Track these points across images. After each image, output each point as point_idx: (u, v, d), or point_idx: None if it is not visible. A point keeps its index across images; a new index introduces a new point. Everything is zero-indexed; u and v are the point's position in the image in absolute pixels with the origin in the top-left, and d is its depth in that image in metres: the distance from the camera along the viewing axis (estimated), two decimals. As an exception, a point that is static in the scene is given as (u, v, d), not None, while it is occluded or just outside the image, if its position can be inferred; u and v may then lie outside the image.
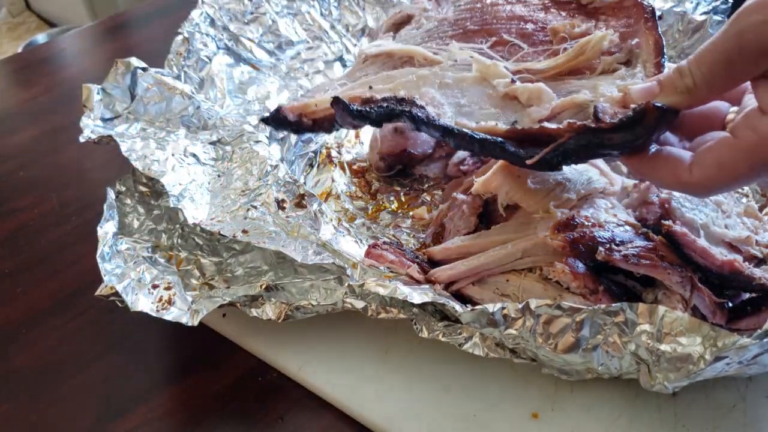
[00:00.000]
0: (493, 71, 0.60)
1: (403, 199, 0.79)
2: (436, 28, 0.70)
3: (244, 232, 0.59)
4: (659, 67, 0.55)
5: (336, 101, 0.61)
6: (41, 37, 2.23)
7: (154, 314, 0.57)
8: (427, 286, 0.59)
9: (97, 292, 0.58)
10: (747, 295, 0.57)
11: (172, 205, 0.61)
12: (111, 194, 0.64)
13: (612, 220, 0.58)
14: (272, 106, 0.83)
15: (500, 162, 0.63)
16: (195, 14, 0.86)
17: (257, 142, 0.69)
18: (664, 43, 0.57)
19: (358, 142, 0.88)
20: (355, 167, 0.83)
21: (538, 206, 0.61)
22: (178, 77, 0.79)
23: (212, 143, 0.70)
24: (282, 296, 0.59)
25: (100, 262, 0.58)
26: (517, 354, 0.54)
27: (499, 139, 0.54)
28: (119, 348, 0.65)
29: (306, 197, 0.63)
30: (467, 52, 0.63)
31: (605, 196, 0.62)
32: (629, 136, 0.49)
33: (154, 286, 0.59)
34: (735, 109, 0.51)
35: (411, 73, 0.63)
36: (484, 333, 0.54)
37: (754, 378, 0.57)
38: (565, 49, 0.60)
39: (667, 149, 0.50)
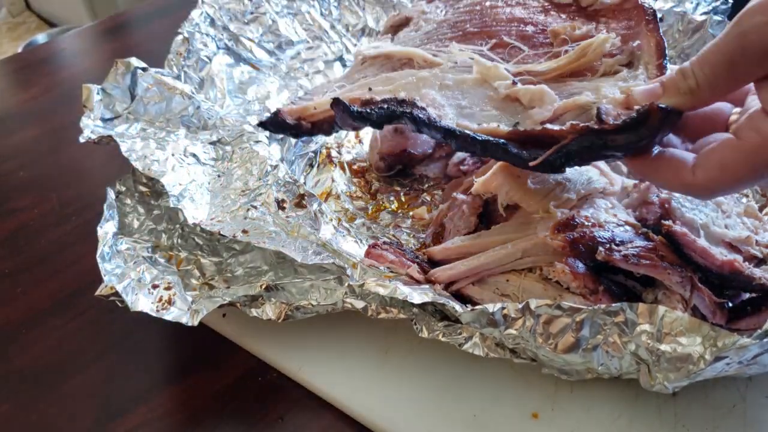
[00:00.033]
0: (493, 73, 0.60)
1: (403, 199, 0.79)
2: (435, 30, 0.70)
3: (244, 232, 0.59)
4: (661, 68, 0.55)
5: (336, 103, 0.60)
6: (41, 37, 2.23)
7: (154, 314, 0.57)
8: (427, 286, 0.59)
9: (97, 292, 0.58)
10: (747, 295, 0.57)
11: (172, 205, 0.61)
12: (111, 194, 0.64)
13: (612, 220, 0.58)
14: (272, 106, 0.84)
15: (500, 162, 0.63)
16: (195, 14, 0.86)
17: (257, 142, 0.69)
18: (666, 44, 0.57)
19: (358, 142, 0.88)
20: (355, 167, 0.83)
21: (538, 206, 0.61)
22: (178, 77, 0.79)
23: (212, 143, 0.70)
24: (282, 296, 0.59)
25: (100, 262, 0.58)
26: (517, 354, 0.54)
27: (502, 140, 0.54)
28: (119, 348, 0.65)
29: (306, 197, 0.63)
30: (467, 53, 0.63)
31: (605, 196, 0.62)
32: (633, 138, 0.49)
33: (154, 286, 0.59)
34: (738, 110, 0.51)
35: (411, 74, 0.63)
36: (484, 333, 0.54)
37: (754, 378, 0.57)
38: (566, 51, 0.60)
39: (670, 151, 0.50)
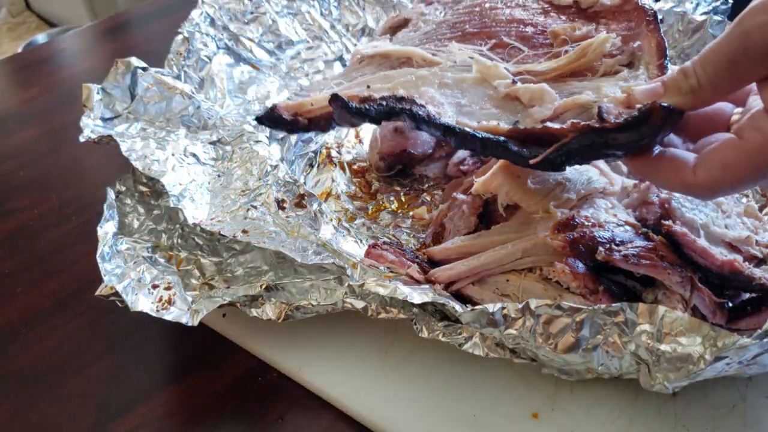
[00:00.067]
0: (493, 72, 0.59)
1: (403, 199, 0.79)
2: (434, 30, 0.70)
3: (244, 232, 0.59)
4: (662, 68, 0.55)
5: (334, 99, 0.60)
6: (41, 37, 2.23)
7: (154, 314, 0.57)
8: (427, 286, 0.59)
9: (97, 292, 0.58)
10: (747, 295, 0.57)
11: (172, 205, 0.61)
12: (111, 194, 0.64)
13: (612, 220, 0.58)
14: (272, 105, 0.84)
15: (500, 162, 0.63)
16: (195, 14, 0.86)
17: (257, 142, 0.69)
18: (667, 45, 0.57)
19: (359, 142, 0.88)
20: (355, 167, 0.83)
21: (538, 206, 0.61)
22: (178, 77, 0.79)
23: (212, 143, 0.70)
24: (282, 296, 0.59)
25: (100, 262, 0.58)
26: (517, 354, 0.54)
27: (502, 138, 0.54)
28: (119, 348, 0.65)
29: (306, 197, 0.63)
30: (467, 52, 0.63)
31: (605, 196, 0.62)
32: (634, 136, 0.49)
33: (154, 286, 0.59)
34: (740, 110, 0.50)
35: (410, 73, 0.63)
36: (484, 333, 0.54)
37: (754, 378, 0.57)
38: (565, 51, 0.60)
39: (671, 151, 0.50)
